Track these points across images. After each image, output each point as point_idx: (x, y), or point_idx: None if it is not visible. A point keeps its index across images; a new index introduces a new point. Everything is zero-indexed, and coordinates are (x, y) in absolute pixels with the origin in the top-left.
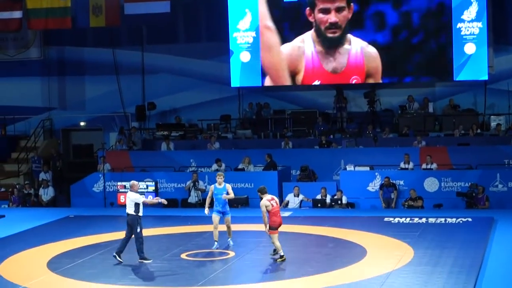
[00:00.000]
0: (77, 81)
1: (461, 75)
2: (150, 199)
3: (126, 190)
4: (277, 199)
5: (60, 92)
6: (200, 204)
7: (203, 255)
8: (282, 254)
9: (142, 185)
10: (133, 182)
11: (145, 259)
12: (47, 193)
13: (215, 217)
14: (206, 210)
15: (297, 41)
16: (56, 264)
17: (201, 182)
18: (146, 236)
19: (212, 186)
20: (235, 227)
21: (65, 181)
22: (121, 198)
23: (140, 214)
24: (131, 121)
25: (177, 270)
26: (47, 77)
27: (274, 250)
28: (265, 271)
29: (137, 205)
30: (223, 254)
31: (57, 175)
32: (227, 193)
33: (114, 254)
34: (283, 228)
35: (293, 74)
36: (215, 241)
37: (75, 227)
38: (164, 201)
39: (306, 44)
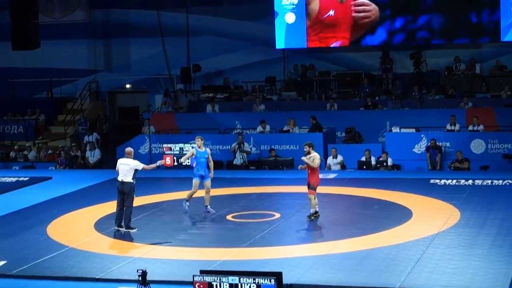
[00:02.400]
0: (123, 43)
1: (509, 36)
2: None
3: (171, 152)
4: None
5: (106, 55)
6: (245, 166)
7: (249, 216)
8: (317, 210)
9: (187, 147)
10: (130, 148)
11: (131, 228)
12: (93, 155)
13: (197, 181)
14: (184, 159)
15: None
16: (103, 225)
17: (246, 144)
18: (193, 198)
19: (193, 149)
20: (281, 189)
21: (111, 143)
22: (167, 160)
23: (134, 181)
24: (176, 83)
25: (223, 231)
26: (93, 39)
27: (314, 213)
28: (310, 233)
29: (135, 172)
30: (269, 216)
31: (103, 137)
32: (208, 158)
33: (115, 228)
34: (328, 190)
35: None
36: (186, 200)
37: None
38: (161, 162)
39: None
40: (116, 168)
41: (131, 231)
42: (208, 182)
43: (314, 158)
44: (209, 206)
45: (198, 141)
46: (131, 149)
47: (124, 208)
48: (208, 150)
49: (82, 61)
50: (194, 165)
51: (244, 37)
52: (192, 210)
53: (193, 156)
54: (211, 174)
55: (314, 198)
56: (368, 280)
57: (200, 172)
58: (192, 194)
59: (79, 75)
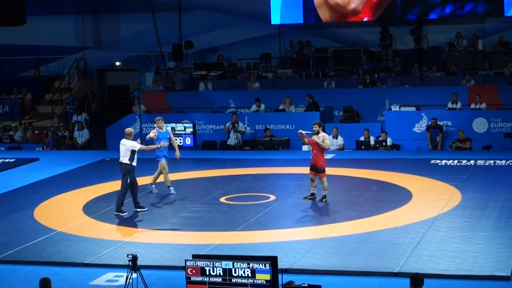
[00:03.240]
0: (112, 19)
1: None
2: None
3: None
4: None
5: (95, 31)
6: (239, 147)
7: (243, 198)
8: (314, 192)
9: (179, 126)
10: (130, 129)
11: (122, 211)
12: (82, 136)
13: (164, 162)
14: (152, 134)
15: None
16: (92, 208)
17: (240, 124)
18: (185, 179)
19: (155, 130)
20: (276, 170)
21: (101, 123)
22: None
23: (134, 163)
24: (167, 61)
25: (216, 214)
26: (81, 15)
27: (313, 194)
28: (306, 215)
29: (132, 153)
30: (264, 198)
31: (92, 117)
32: (170, 138)
33: (134, 209)
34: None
35: None
36: (169, 186)
37: (111, 170)
38: (164, 144)
39: None
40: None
41: (121, 214)
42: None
43: (324, 138)
44: (154, 186)
45: (160, 122)
46: (131, 130)
47: (120, 189)
48: (169, 129)
49: (70, 38)
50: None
51: (238, 13)
52: (184, 193)
53: (155, 138)
54: (177, 153)
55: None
56: (367, 264)
57: (164, 152)
58: (167, 176)
59: (66, 52)
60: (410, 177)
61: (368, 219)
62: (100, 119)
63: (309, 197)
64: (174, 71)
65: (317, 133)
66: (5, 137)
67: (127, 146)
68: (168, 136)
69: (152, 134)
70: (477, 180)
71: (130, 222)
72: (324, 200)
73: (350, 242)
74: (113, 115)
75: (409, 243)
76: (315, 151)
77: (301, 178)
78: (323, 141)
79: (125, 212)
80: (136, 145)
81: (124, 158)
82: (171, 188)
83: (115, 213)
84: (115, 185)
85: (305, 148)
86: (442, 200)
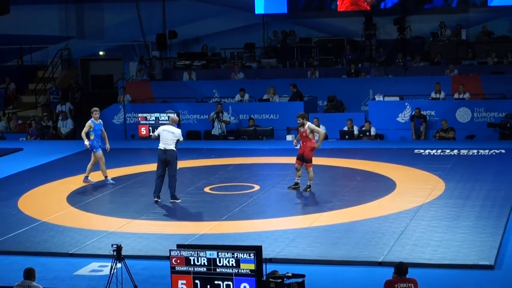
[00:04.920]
0: (96, 8)
1: (496, 0)
2: None
3: (146, 122)
4: None
5: (78, 20)
6: (224, 137)
7: (227, 188)
8: (298, 182)
9: (163, 116)
10: (175, 116)
11: (177, 198)
12: (66, 126)
13: (101, 153)
14: (87, 142)
15: None
16: (76, 198)
17: (225, 114)
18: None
19: (91, 122)
20: (260, 159)
21: (84, 113)
22: (142, 130)
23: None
24: (151, 50)
25: (201, 204)
26: (65, 4)
27: (297, 184)
28: (291, 205)
29: (177, 142)
30: (248, 188)
31: (75, 107)
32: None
33: (155, 199)
34: None
35: None
36: (106, 176)
37: None
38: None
39: None
40: (154, 135)
41: (177, 201)
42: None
43: (312, 129)
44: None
45: (96, 113)
46: (177, 117)
47: (171, 176)
48: (101, 121)
49: (54, 27)
50: (91, 137)
51: (222, 2)
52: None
53: (91, 129)
54: (107, 145)
55: (312, 171)
56: (351, 254)
57: (99, 143)
58: (104, 166)
59: (50, 41)
60: (393, 167)
61: (352, 209)
62: (84, 109)
63: (293, 186)
64: (152, 61)
65: (302, 125)
66: None
67: (175, 134)
68: (101, 128)
69: (88, 126)
70: (461, 170)
71: (114, 212)
72: (308, 189)
73: (334, 232)
74: (97, 104)
75: (393, 233)
76: (304, 143)
77: (285, 168)
78: (313, 132)
79: (180, 198)
80: (181, 136)
81: (170, 145)
82: (109, 178)
83: (171, 200)
84: (99, 175)
85: (289, 138)
86: (426, 189)
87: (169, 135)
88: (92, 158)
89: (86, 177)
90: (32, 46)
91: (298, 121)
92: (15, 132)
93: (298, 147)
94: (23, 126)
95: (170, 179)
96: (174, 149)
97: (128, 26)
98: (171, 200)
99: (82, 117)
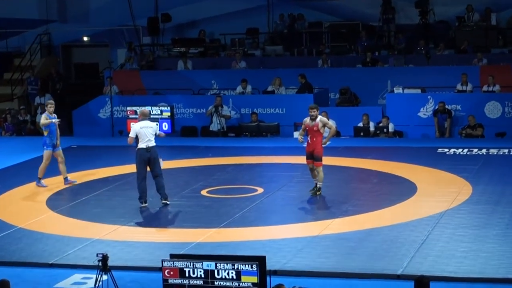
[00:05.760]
0: None
1: None
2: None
3: (136, 117)
4: None
5: (60, 2)
6: (223, 133)
7: (227, 191)
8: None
9: (155, 110)
10: (146, 109)
11: (167, 199)
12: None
13: (49, 152)
14: (55, 120)
15: None
16: (57, 202)
17: (224, 107)
18: (162, 170)
19: (45, 115)
20: (264, 159)
21: (67, 106)
22: (132, 126)
23: None
24: (142, 36)
25: (197, 208)
26: None
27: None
28: (299, 211)
29: (155, 134)
30: (250, 191)
31: (57, 99)
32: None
33: (142, 205)
34: None
35: None
36: (40, 178)
37: (78, 159)
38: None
39: None
40: (132, 135)
41: (168, 202)
42: (61, 152)
43: (324, 123)
44: (68, 177)
45: (51, 107)
46: (148, 110)
47: (157, 176)
48: (55, 115)
49: (32, 10)
50: (45, 133)
51: None
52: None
53: (48, 124)
54: (58, 142)
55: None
56: (366, 266)
57: (53, 141)
58: (45, 168)
59: (28, 26)
60: (414, 168)
61: (367, 215)
62: (66, 101)
63: (315, 189)
64: (142, 47)
65: (315, 118)
66: None
67: (154, 128)
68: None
69: (47, 121)
70: (490, 171)
71: (100, 217)
72: (318, 193)
73: (348, 241)
74: (81, 96)
75: (413, 242)
76: (314, 139)
77: (292, 169)
78: (324, 127)
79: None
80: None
81: (152, 141)
82: (42, 181)
83: (164, 201)
84: (82, 176)
85: (296, 134)
86: (450, 193)
87: (149, 131)
88: (58, 158)
89: (66, 178)
90: (8, 30)
91: (312, 113)
92: None
93: (305, 144)
94: None
95: (159, 179)
96: (155, 144)
97: (116, 8)
98: (164, 201)
99: (63, 111)
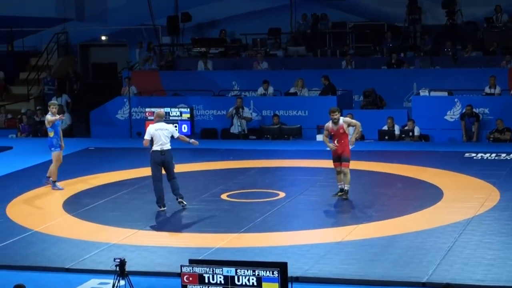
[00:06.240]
0: None
1: None
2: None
3: None
4: None
5: (77, 0)
6: (244, 136)
7: (248, 195)
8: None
9: (174, 112)
10: (162, 111)
11: (183, 198)
12: (62, 121)
13: (58, 153)
14: (59, 116)
15: None
16: (74, 205)
17: (245, 109)
18: (181, 173)
19: (50, 116)
20: (286, 162)
21: (84, 106)
22: None
23: None
24: (161, 35)
25: (217, 213)
26: None
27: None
28: (321, 216)
29: (172, 138)
30: (272, 195)
31: (74, 99)
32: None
33: (161, 209)
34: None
35: None
36: (55, 181)
37: (95, 161)
38: (196, 142)
39: None
40: (147, 137)
41: (184, 202)
42: (61, 153)
43: (349, 123)
44: (50, 178)
45: (54, 108)
46: (163, 111)
47: (172, 179)
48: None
49: (49, 8)
50: (51, 134)
51: None
52: (181, 187)
53: (52, 124)
54: (63, 144)
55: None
56: (390, 273)
57: (59, 141)
58: (57, 170)
59: (45, 24)
60: (440, 173)
61: (392, 221)
62: (83, 102)
63: (339, 194)
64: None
65: (338, 121)
66: None
67: (170, 130)
68: (60, 124)
69: (52, 120)
70: None
71: (117, 221)
72: (344, 197)
73: (371, 247)
74: (98, 97)
75: (439, 249)
76: (342, 141)
77: (315, 173)
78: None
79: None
80: (176, 131)
81: (167, 144)
82: (58, 184)
83: (180, 200)
84: (100, 178)
85: (319, 137)
86: (478, 199)
87: (165, 133)
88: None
89: (54, 183)
90: (24, 29)
91: (335, 116)
92: (3, 128)
93: (334, 148)
94: (13, 121)
95: (174, 181)
96: (170, 147)
97: (135, 7)
98: (180, 200)
99: (81, 111)
